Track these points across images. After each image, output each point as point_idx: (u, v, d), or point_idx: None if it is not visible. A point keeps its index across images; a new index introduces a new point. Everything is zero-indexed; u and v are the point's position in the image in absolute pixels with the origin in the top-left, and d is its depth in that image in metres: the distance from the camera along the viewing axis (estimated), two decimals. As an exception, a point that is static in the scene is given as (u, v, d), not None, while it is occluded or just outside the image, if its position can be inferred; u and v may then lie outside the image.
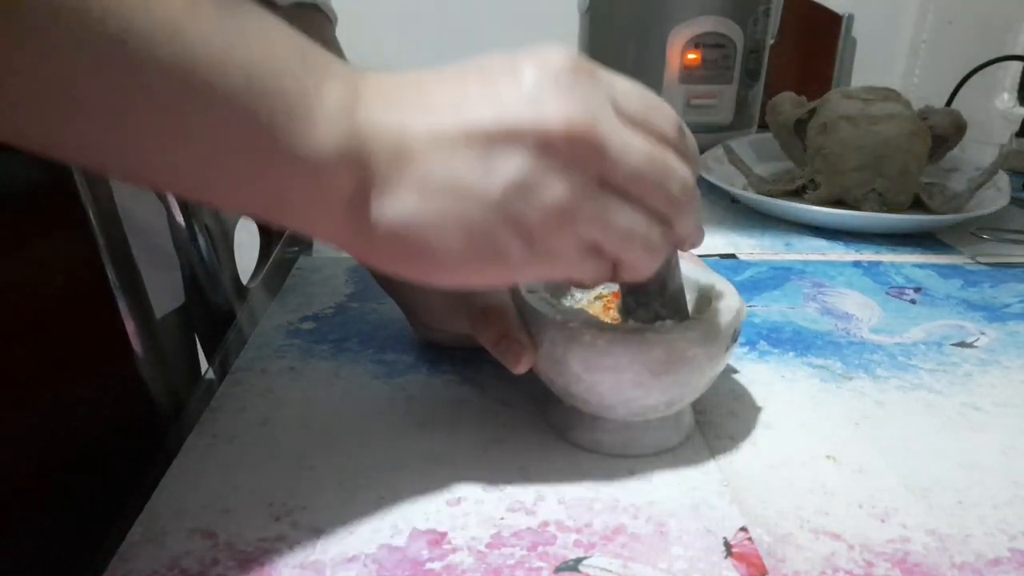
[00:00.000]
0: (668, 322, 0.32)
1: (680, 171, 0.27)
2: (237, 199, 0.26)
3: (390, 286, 0.42)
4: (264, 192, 0.25)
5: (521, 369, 0.33)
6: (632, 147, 0.26)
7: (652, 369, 0.31)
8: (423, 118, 0.25)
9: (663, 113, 0.28)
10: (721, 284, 0.36)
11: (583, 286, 0.33)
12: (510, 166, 0.25)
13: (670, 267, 0.32)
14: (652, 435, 0.35)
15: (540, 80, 0.25)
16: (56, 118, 0.21)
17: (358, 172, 0.25)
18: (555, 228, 0.26)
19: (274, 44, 0.24)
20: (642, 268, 0.28)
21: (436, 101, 0.25)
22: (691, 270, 0.37)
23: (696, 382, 0.33)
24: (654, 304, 0.33)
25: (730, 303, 0.34)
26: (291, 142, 0.23)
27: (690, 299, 0.36)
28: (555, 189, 0.25)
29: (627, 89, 0.27)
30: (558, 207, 0.25)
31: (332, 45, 0.48)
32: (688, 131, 0.29)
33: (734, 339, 0.33)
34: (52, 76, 0.20)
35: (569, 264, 0.27)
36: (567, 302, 0.38)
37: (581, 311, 0.34)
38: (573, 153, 0.25)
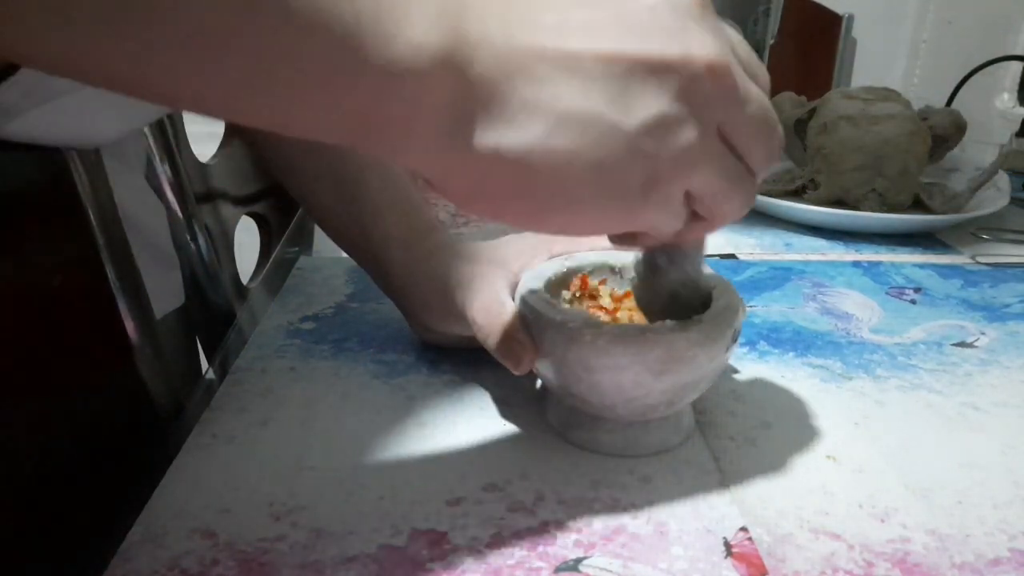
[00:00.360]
0: (668, 321, 0.32)
1: (777, 129, 0.27)
2: (327, 119, 0.22)
3: (389, 288, 0.42)
4: (355, 106, 0.22)
5: (522, 370, 0.33)
6: (753, 95, 0.25)
7: (652, 369, 0.31)
8: (552, 36, 0.23)
9: (762, 67, 0.27)
10: (721, 284, 0.36)
11: (651, 241, 0.30)
12: (651, 101, 0.23)
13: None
14: (652, 435, 0.35)
15: (675, 9, 0.23)
16: (161, 44, 0.19)
17: (464, 87, 0.22)
18: (681, 172, 0.25)
19: None
20: (729, 220, 0.28)
21: (562, 19, 0.23)
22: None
23: (696, 382, 0.33)
24: (687, 266, 0.32)
25: (730, 303, 0.34)
26: (382, 44, 0.21)
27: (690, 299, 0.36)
28: (690, 130, 0.24)
29: (739, 38, 0.26)
30: (689, 150, 0.24)
31: None
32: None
33: (734, 339, 0.33)
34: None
35: (672, 214, 0.26)
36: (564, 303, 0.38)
37: (581, 311, 0.34)
38: (713, 94, 0.24)
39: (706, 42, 0.23)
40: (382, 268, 0.42)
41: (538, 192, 0.24)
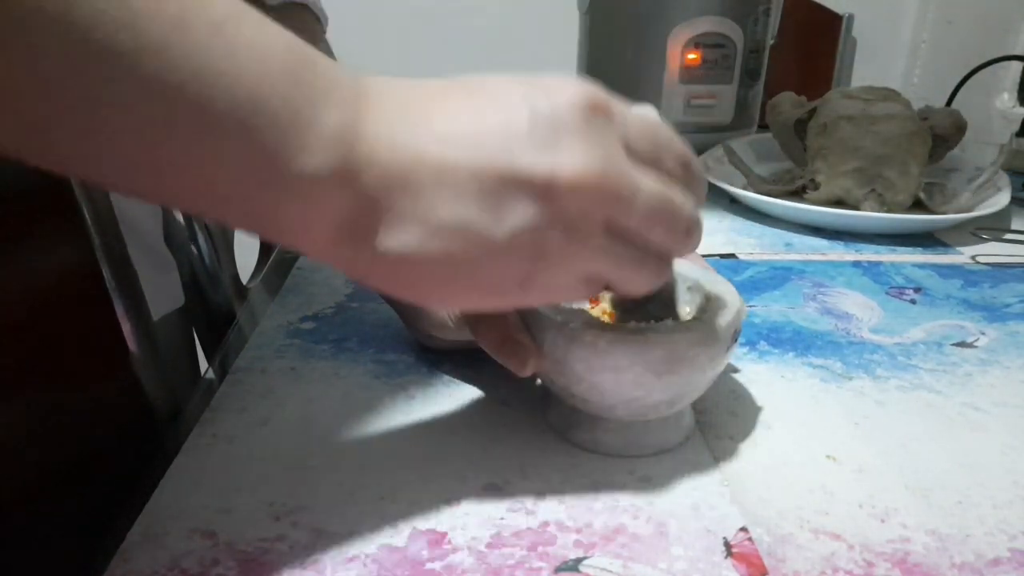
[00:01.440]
0: (669, 321, 0.32)
1: (686, 210, 0.27)
2: (226, 217, 0.25)
3: (387, 294, 0.42)
4: (254, 213, 0.24)
5: (526, 372, 0.33)
6: (641, 192, 0.26)
7: (653, 369, 0.31)
8: (433, 145, 0.24)
9: (673, 149, 0.28)
10: (721, 284, 0.36)
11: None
12: (518, 215, 0.24)
13: None
14: (653, 435, 0.35)
15: (555, 120, 0.24)
16: (34, 125, 0.21)
17: (356, 199, 0.24)
18: (557, 270, 0.26)
19: (267, 63, 0.22)
20: (639, 292, 0.29)
21: (446, 129, 0.25)
22: (691, 270, 0.37)
23: (697, 382, 0.33)
24: (647, 306, 0.33)
25: (730, 303, 0.34)
26: (282, 167, 0.23)
27: (691, 299, 0.36)
28: (561, 237, 0.25)
29: (640, 126, 0.27)
30: (562, 253, 0.25)
31: (321, 46, 0.48)
32: (696, 163, 0.29)
33: (734, 339, 0.33)
34: (31, 83, 0.20)
35: (565, 294, 0.28)
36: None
37: (582, 312, 0.34)
38: (582, 203, 0.25)
39: (575, 156, 0.24)
40: None
41: (422, 287, 0.26)
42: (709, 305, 0.34)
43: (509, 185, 0.24)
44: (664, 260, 0.29)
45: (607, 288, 0.29)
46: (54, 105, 0.20)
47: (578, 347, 0.31)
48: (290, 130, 0.22)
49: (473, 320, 0.35)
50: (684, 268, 0.37)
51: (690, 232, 0.28)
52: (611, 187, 0.25)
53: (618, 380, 0.32)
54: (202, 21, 0.21)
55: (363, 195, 0.24)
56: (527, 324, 0.33)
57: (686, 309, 0.36)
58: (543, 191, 0.24)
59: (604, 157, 0.25)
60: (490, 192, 0.24)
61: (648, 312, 0.34)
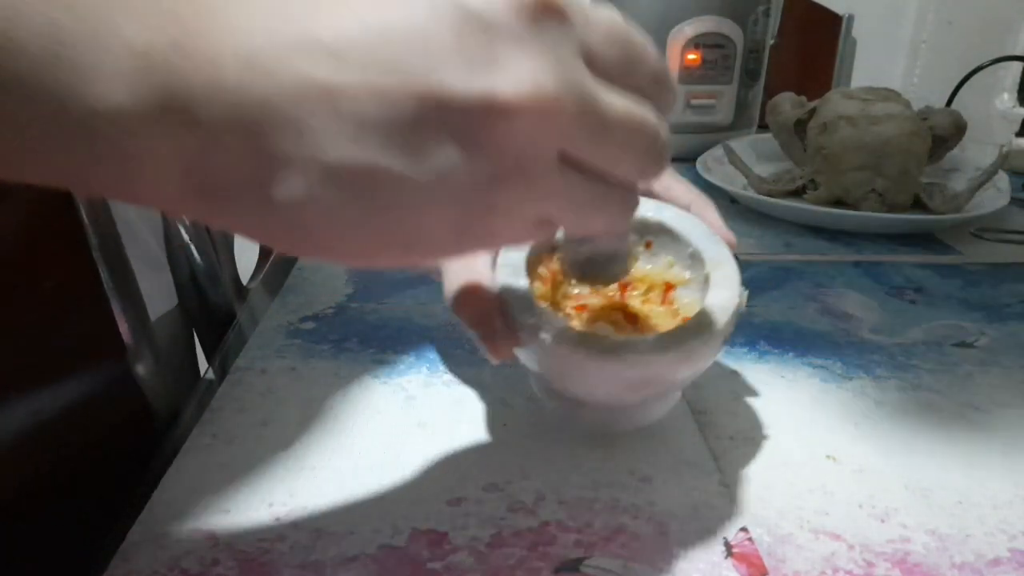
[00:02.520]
0: (649, 338, 0.30)
1: (658, 136, 0.22)
2: (47, 179, 0.19)
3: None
4: (71, 169, 0.19)
5: (497, 361, 0.30)
6: (606, 117, 0.20)
7: (628, 387, 0.30)
8: (319, 67, 0.18)
9: (646, 59, 0.22)
10: (724, 265, 0.33)
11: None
12: (445, 153, 0.18)
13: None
14: (634, 413, 0.34)
15: (491, 25, 0.18)
16: None
17: (198, 140, 0.18)
18: (500, 216, 0.20)
19: None
20: (600, 233, 0.25)
21: (336, 37, 0.18)
22: (694, 230, 0.34)
23: (676, 392, 0.33)
24: (608, 267, 0.29)
25: (724, 297, 0.31)
26: (75, 107, 0.17)
27: (691, 268, 0.34)
28: (504, 177, 0.19)
29: (605, 30, 0.21)
30: (506, 196, 0.20)
31: None
32: (670, 75, 0.23)
33: (725, 340, 0.31)
34: None
35: (512, 240, 0.22)
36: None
37: (556, 318, 0.31)
38: (530, 134, 0.19)
39: (519, 72, 0.18)
40: None
41: (321, 244, 0.20)
42: (705, 296, 0.32)
43: (430, 114, 0.18)
44: (630, 192, 0.23)
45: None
46: None
47: (551, 358, 0.30)
48: (70, 58, 0.17)
49: (453, 291, 0.31)
50: (687, 227, 0.34)
51: (660, 159, 0.22)
52: (567, 112, 0.19)
53: (592, 393, 0.31)
54: None
55: (209, 133, 0.18)
56: (503, 307, 0.31)
57: (686, 275, 0.34)
58: (478, 121, 0.18)
59: (558, 72, 0.19)
60: (405, 125, 0.18)
61: (608, 273, 0.29)
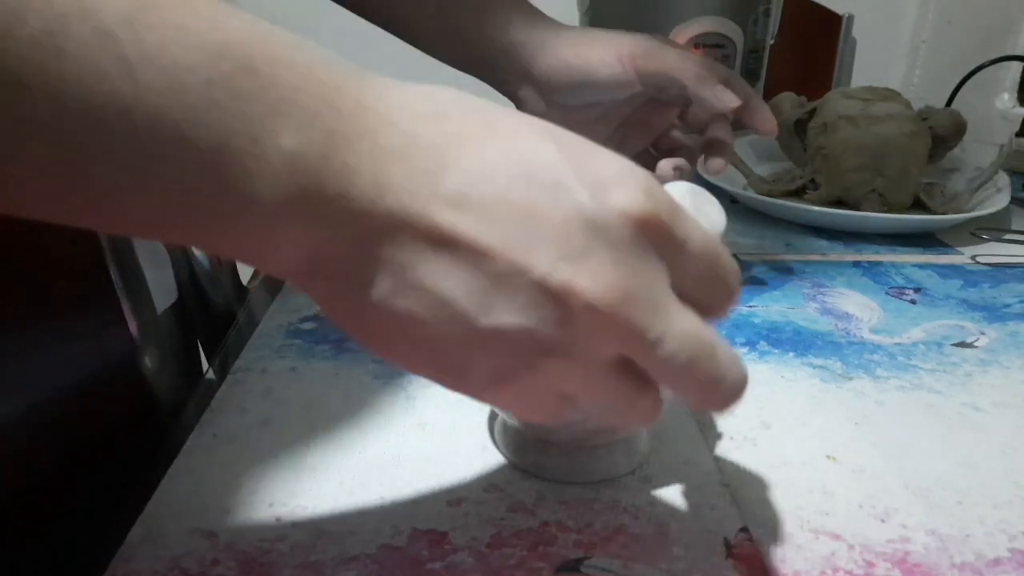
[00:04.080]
0: None
1: (723, 360, 0.22)
2: (188, 243, 0.22)
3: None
4: (212, 241, 0.21)
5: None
6: (667, 341, 0.21)
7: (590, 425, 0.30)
8: (437, 211, 0.20)
9: (724, 287, 0.23)
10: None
11: None
12: (511, 314, 0.20)
13: None
14: (600, 461, 0.33)
15: (595, 227, 0.20)
16: None
17: (327, 235, 0.20)
18: (537, 384, 0.22)
19: (181, 77, 0.18)
20: (613, 426, 0.26)
21: (459, 192, 0.20)
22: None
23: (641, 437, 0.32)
24: None
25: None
26: (230, 195, 0.19)
27: None
28: (556, 354, 0.21)
29: (699, 259, 0.22)
30: (551, 370, 0.21)
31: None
32: (738, 296, 0.25)
33: None
34: None
35: (534, 410, 0.23)
36: None
37: None
38: (593, 329, 0.20)
39: (602, 276, 0.20)
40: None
41: (383, 343, 0.23)
42: None
43: (513, 278, 0.20)
44: (659, 403, 0.24)
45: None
46: None
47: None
48: (224, 155, 0.18)
49: None
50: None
51: (718, 390, 0.23)
52: (631, 323, 0.20)
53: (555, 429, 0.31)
54: (86, 28, 0.16)
55: (336, 233, 0.20)
56: None
57: None
58: (552, 302, 0.20)
59: (634, 286, 0.20)
60: (488, 278, 0.20)
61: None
